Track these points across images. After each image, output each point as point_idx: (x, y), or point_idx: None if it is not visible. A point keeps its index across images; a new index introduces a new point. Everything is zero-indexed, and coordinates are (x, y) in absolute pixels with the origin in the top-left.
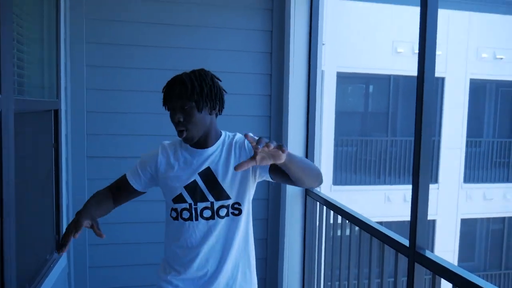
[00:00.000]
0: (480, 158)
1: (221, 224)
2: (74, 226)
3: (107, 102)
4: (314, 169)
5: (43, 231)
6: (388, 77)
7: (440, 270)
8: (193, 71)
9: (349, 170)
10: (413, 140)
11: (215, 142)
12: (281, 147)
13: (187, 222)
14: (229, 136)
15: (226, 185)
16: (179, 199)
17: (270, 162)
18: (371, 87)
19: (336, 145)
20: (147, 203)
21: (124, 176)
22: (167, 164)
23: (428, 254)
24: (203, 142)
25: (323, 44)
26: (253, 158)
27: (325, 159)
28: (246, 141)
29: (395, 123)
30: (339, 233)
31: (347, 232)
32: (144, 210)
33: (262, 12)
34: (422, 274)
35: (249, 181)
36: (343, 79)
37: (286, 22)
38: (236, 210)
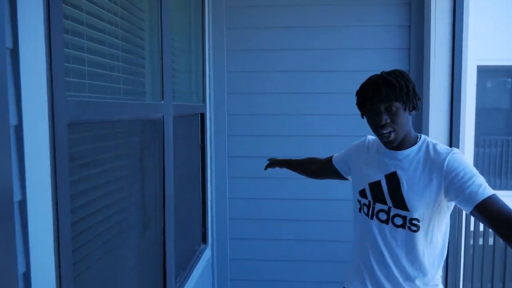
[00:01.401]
0: None
1: (396, 232)
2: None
3: (245, 105)
4: None
5: (192, 224)
6: None
7: None
8: (393, 72)
9: (492, 173)
10: None
11: (410, 146)
12: None
13: (365, 217)
14: (431, 145)
15: (407, 196)
16: (363, 193)
17: None
18: None
19: (476, 145)
20: (292, 201)
21: (331, 156)
22: (361, 158)
23: None
24: (398, 144)
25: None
26: None
27: None
28: (446, 161)
29: None
30: (481, 242)
31: (490, 241)
32: (286, 206)
33: (399, 7)
34: None
35: (436, 203)
36: (484, 73)
37: (426, 16)
38: (414, 226)
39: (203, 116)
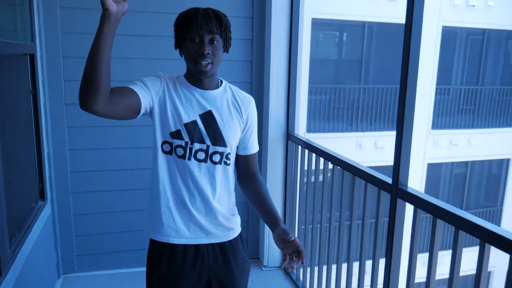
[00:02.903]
0: (448, 105)
1: (214, 169)
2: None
3: (84, 47)
4: None
5: (27, 179)
6: (362, 24)
7: (421, 203)
8: (217, 10)
9: (323, 118)
10: (386, 87)
11: (216, 87)
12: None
13: (180, 160)
14: (232, 87)
15: (225, 133)
16: (176, 135)
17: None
18: (345, 34)
19: (310, 93)
20: (128, 150)
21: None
22: (170, 94)
23: (410, 189)
24: (207, 83)
25: None
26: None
27: (300, 107)
28: (250, 106)
29: (368, 70)
30: (321, 178)
31: (320, 178)
32: (127, 158)
33: None
34: (403, 210)
35: (239, 138)
36: (317, 25)
37: None
38: (228, 159)
39: (33, 57)
